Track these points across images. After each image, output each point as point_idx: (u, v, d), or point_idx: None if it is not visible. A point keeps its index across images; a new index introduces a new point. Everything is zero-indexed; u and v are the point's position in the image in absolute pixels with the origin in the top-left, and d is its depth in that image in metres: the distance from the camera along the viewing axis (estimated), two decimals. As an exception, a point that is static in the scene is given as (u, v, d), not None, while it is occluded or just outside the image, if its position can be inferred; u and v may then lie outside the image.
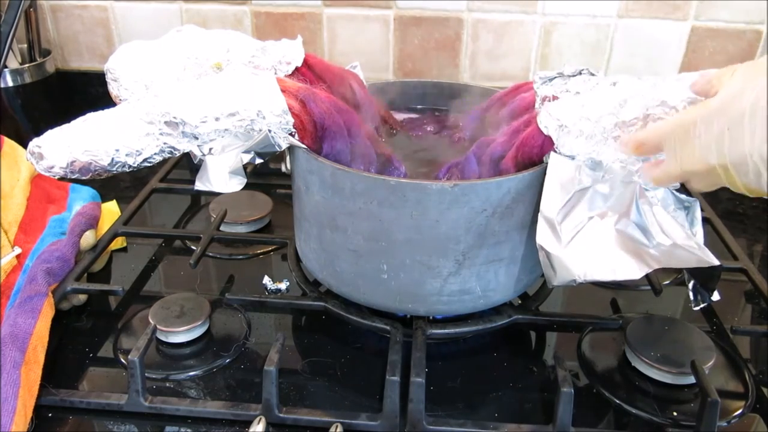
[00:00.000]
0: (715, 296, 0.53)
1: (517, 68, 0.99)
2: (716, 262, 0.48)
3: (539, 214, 0.50)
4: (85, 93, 1.06)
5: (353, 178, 0.52)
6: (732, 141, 0.35)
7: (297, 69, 0.63)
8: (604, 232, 0.50)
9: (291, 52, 0.63)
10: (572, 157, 0.51)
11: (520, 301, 0.64)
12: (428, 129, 0.71)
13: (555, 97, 0.56)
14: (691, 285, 0.54)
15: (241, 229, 0.79)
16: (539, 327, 0.64)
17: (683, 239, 0.49)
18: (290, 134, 0.55)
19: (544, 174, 0.52)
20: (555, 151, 0.52)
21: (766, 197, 0.40)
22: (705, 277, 0.53)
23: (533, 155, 0.53)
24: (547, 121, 0.52)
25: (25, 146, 0.55)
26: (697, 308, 0.54)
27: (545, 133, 0.52)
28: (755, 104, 0.34)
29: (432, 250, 0.53)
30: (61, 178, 0.54)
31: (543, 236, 0.50)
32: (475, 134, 0.66)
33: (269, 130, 0.53)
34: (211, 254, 0.74)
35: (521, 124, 0.56)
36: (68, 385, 0.55)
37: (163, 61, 0.61)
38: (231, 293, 0.65)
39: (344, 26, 0.99)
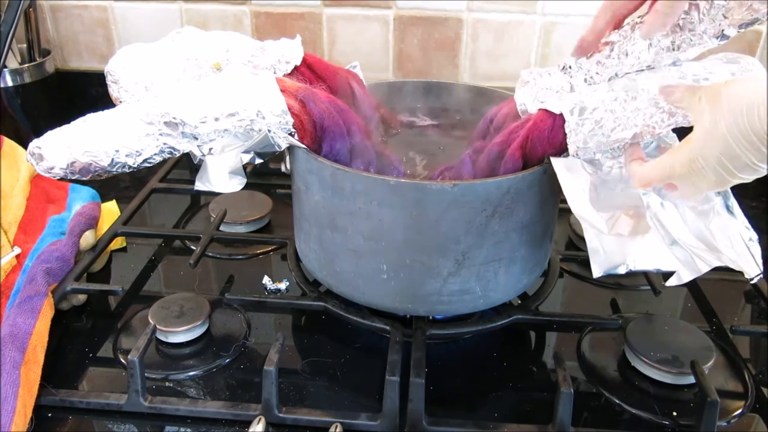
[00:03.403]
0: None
1: (517, 68, 0.98)
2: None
3: (576, 208, 0.50)
4: (85, 93, 1.06)
5: (353, 178, 0.52)
6: (731, 159, 0.42)
7: (296, 68, 0.63)
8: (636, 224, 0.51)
9: (290, 52, 0.63)
10: (576, 156, 0.52)
11: (520, 301, 0.63)
12: (428, 129, 0.71)
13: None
14: None
15: (241, 229, 0.79)
16: (539, 327, 0.64)
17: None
18: (290, 134, 0.55)
19: (544, 174, 0.52)
20: (564, 127, 0.52)
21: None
22: None
23: (543, 138, 0.53)
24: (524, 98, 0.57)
25: (25, 146, 0.55)
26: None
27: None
28: (731, 127, 0.41)
29: (432, 250, 0.53)
30: (61, 179, 0.54)
31: (589, 218, 0.50)
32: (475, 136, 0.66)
33: (269, 130, 0.53)
34: (210, 254, 0.74)
35: (519, 126, 0.55)
36: (68, 385, 0.55)
37: (163, 62, 0.61)
38: (231, 293, 0.65)
39: (344, 26, 0.99)
